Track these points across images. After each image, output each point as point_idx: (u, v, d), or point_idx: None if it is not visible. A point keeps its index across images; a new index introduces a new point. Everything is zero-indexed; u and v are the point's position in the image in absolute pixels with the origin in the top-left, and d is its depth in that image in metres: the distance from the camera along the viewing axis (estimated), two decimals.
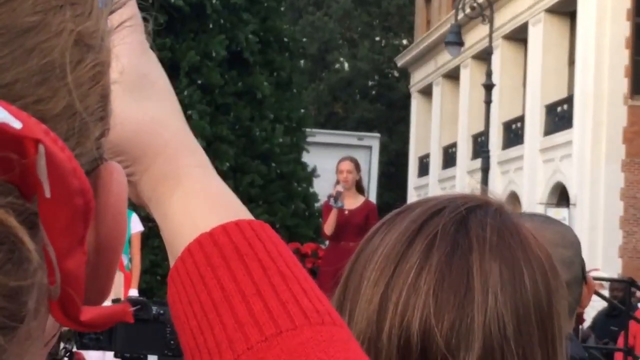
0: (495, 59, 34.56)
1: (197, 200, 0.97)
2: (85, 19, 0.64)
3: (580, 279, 2.93)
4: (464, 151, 47.11)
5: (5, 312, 0.57)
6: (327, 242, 12.50)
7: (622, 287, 15.13)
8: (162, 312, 3.73)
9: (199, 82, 18.94)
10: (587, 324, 15.04)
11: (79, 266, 0.59)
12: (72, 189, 0.57)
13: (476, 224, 1.56)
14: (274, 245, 0.93)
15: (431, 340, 1.49)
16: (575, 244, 2.97)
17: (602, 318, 14.99)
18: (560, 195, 37.28)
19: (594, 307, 14.36)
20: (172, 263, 0.95)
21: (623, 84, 34.65)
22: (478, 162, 34.24)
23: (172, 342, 3.79)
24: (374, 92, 65.67)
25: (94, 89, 0.65)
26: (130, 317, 0.65)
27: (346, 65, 66.62)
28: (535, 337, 1.53)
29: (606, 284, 15.73)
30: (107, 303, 0.67)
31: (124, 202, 0.69)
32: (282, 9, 22.55)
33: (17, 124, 0.54)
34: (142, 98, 1.00)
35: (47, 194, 0.56)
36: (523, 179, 39.75)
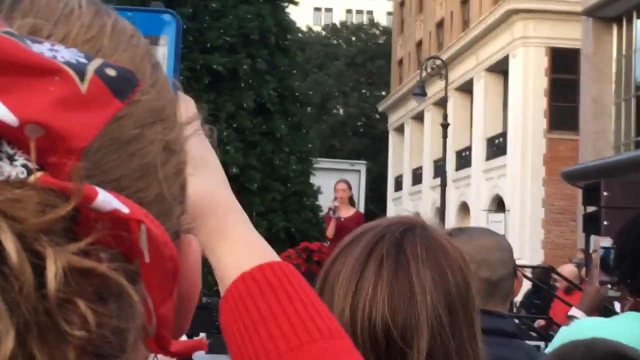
0: (450, 105, 34.61)
1: (241, 249, 0.98)
2: (170, 130, 0.66)
3: (512, 274, 2.93)
4: (427, 172, 47.09)
5: (113, 345, 0.58)
6: (328, 242, 12.49)
7: (542, 271, 15.11)
8: (209, 300, 3.74)
9: (234, 125, 18.93)
10: (517, 299, 15.00)
11: (169, 312, 0.61)
12: (165, 256, 0.58)
13: (409, 244, 1.62)
14: (296, 280, 0.94)
15: (392, 336, 1.55)
16: (509, 249, 2.98)
17: (529, 295, 14.94)
18: (498, 204, 37.25)
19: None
20: (222, 294, 0.96)
21: (543, 122, 34.67)
22: (438, 180, 34.21)
23: (216, 322, 3.79)
24: (361, 130, 65.57)
25: (176, 182, 0.67)
26: (205, 347, 0.68)
27: (341, 110, 66.61)
28: (461, 318, 1.60)
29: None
30: None
31: (199, 265, 0.72)
32: (295, 71, 22.54)
33: (125, 209, 0.56)
34: (200, 174, 1.00)
35: (147, 260, 0.58)
36: (471, 193, 39.74)
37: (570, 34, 32.90)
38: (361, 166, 30.17)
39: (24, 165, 0.55)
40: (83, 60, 0.57)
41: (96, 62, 0.57)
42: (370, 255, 1.61)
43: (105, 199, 0.56)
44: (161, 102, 0.66)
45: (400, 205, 53.05)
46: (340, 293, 1.59)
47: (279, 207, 19.28)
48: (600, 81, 27.15)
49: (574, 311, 3.78)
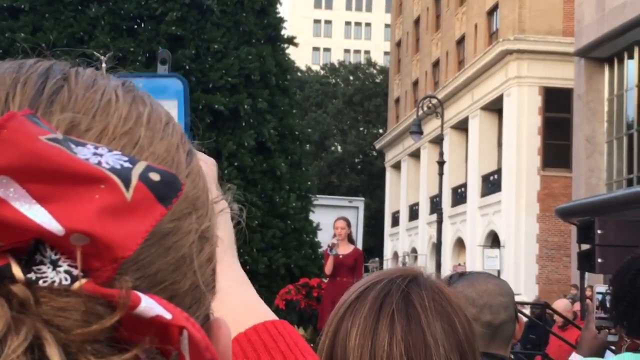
0: (445, 142, 34.70)
1: (234, 308, 0.95)
2: (204, 218, 0.65)
3: (514, 318, 2.92)
4: (424, 208, 47.12)
5: None
6: (327, 278, 12.46)
7: (538, 307, 15.07)
8: None
9: (235, 164, 18.88)
10: None
11: None
12: (206, 359, 0.57)
13: (416, 296, 1.62)
14: (291, 338, 0.92)
15: None
16: (510, 293, 2.97)
17: (525, 330, 14.89)
18: (493, 240, 37.24)
19: None
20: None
21: (537, 160, 34.75)
22: (434, 217, 34.23)
23: None
24: (359, 167, 65.67)
25: (209, 268, 0.66)
26: None
27: (339, 148, 66.72)
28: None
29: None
30: None
31: (230, 348, 0.70)
32: (294, 111, 22.58)
33: (167, 315, 0.55)
34: None
35: None
36: (467, 228, 39.72)
37: (563, 74, 33.08)
38: (359, 203, 30.06)
39: (67, 272, 0.53)
40: (127, 165, 0.55)
41: (140, 167, 0.55)
42: (380, 311, 1.60)
43: (148, 305, 0.54)
44: (196, 192, 0.65)
45: (397, 240, 53.01)
46: (355, 351, 1.58)
47: (279, 244, 19.20)
48: (592, 120, 27.25)
49: (574, 357, 3.77)
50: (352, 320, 1.61)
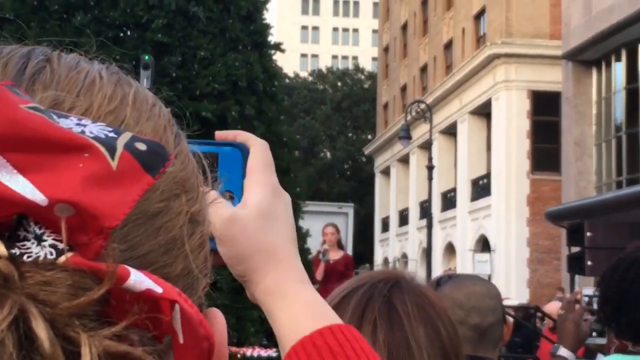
0: (434, 147, 34.69)
1: (298, 310, 0.92)
2: (194, 202, 0.64)
3: (502, 320, 2.92)
4: (413, 213, 47.12)
5: None
6: (317, 284, 12.46)
7: (523, 310, 15.06)
8: None
9: None
10: None
11: None
12: (200, 335, 0.55)
13: (399, 301, 1.59)
14: (358, 344, 0.87)
15: None
16: (498, 296, 2.97)
17: (511, 333, 14.87)
18: (484, 244, 37.26)
19: None
20: (282, 355, 0.90)
21: (526, 164, 34.79)
22: (424, 222, 34.24)
23: None
24: (348, 173, 65.65)
25: (201, 253, 0.65)
26: None
27: (328, 154, 66.69)
28: None
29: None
30: None
31: (226, 339, 0.69)
32: (282, 117, 22.58)
33: (158, 289, 0.53)
34: (270, 226, 0.97)
35: (181, 340, 0.55)
36: (457, 233, 39.74)
37: (551, 77, 33.13)
38: (349, 209, 30.18)
39: (52, 246, 0.51)
40: (112, 134, 0.54)
41: (125, 137, 0.54)
42: (363, 317, 1.58)
43: (138, 279, 0.52)
44: (185, 173, 0.64)
45: (388, 246, 53.00)
46: None
47: None
48: (581, 123, 27.32)
49: (557, 349, 3.76)
50: None
